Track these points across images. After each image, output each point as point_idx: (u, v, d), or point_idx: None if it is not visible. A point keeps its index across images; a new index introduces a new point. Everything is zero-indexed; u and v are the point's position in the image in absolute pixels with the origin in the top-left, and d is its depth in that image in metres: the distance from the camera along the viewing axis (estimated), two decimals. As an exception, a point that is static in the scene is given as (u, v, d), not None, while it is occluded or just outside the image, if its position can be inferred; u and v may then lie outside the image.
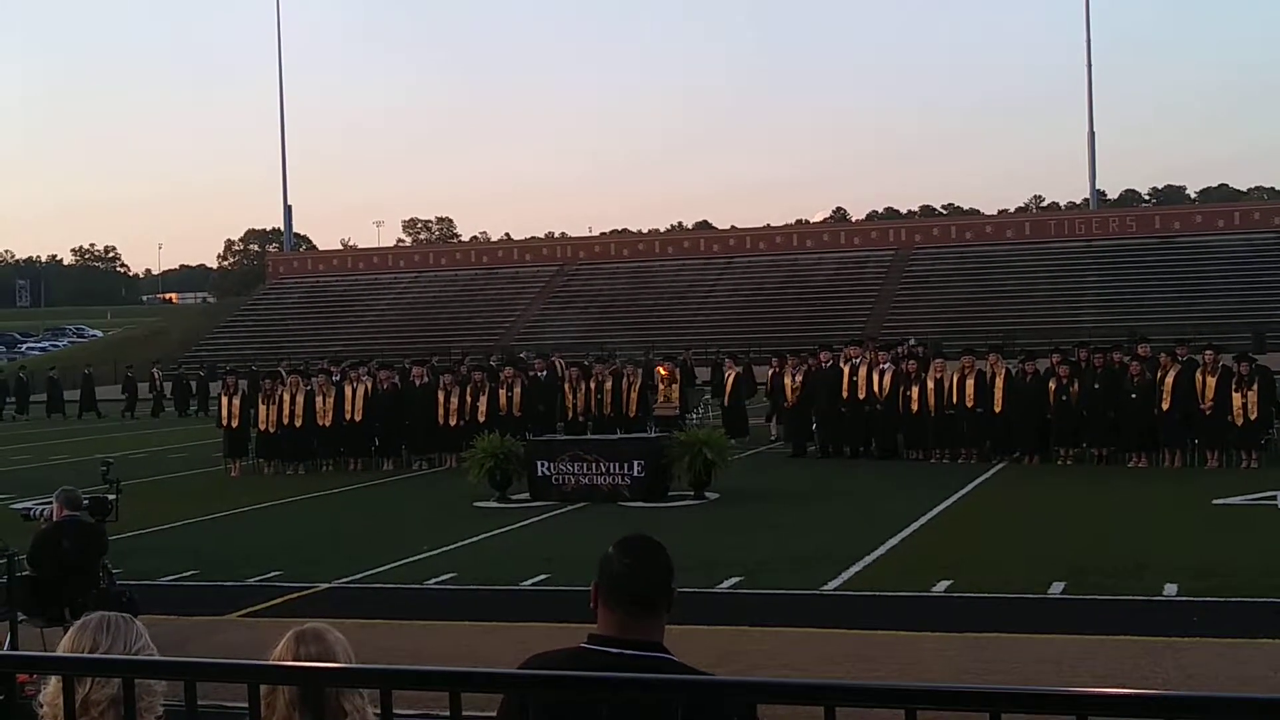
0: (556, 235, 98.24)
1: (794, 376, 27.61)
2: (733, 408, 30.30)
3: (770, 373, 30.28)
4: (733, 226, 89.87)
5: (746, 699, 2.55)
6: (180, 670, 2.83)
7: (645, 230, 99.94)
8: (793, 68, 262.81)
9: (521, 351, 41.14)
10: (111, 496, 12.24)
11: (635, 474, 21.01)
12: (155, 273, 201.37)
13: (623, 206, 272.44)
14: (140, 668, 3.08)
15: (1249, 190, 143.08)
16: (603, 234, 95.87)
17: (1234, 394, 22.83)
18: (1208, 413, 23.04)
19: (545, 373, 29.08)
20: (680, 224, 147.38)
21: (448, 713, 2.42)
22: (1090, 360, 25.07)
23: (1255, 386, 22.89)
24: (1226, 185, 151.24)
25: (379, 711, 2.48)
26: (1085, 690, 2.20)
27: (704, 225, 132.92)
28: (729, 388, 30.90)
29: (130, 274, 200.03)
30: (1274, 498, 18.91)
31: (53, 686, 3.35)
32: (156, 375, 52.79)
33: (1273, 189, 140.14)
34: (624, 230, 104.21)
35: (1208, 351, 23.98)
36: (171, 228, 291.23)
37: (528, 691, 2.51)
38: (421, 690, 2.51)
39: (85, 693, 3.46)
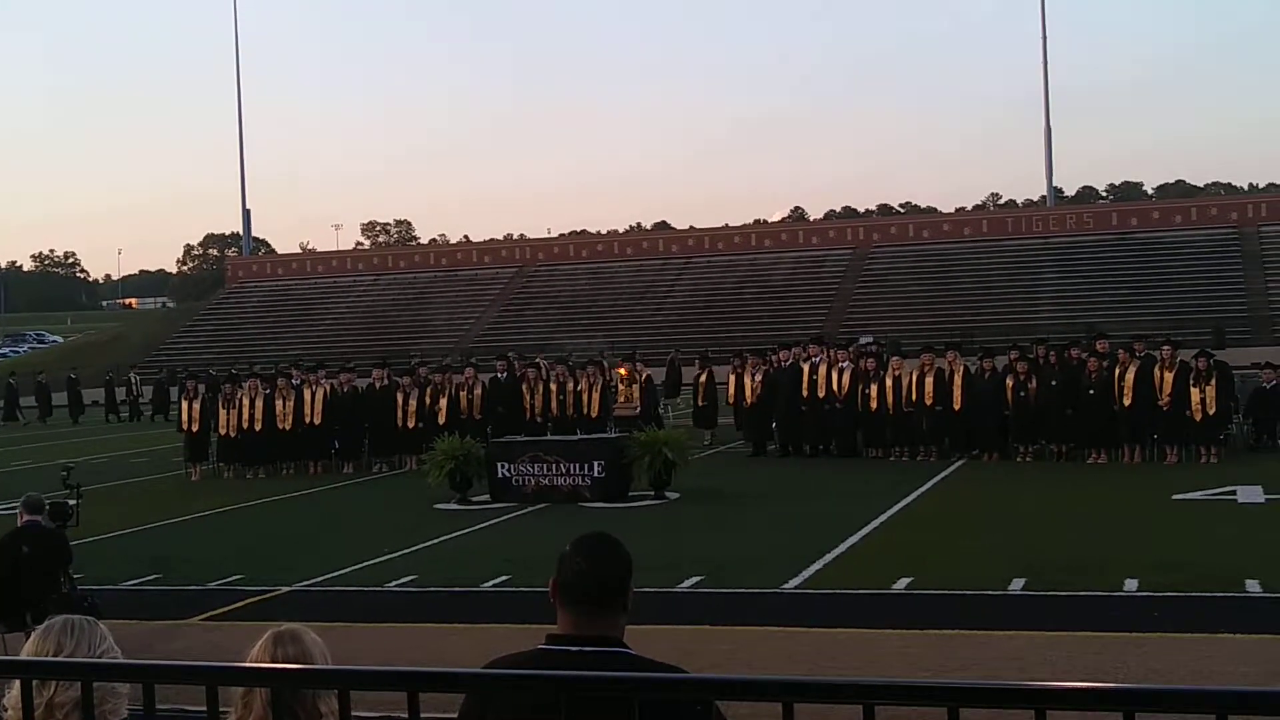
0: (515, 237, 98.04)
1: (753, 376, 27.66)
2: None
3: (694, 374, 30.40)
4: (691, 227, 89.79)
5: (705, 695, 2.54)
6: (139, 673, 2.80)
7: (604, 231, 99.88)
8: (750, 67, 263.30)
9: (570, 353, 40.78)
10: (72, 502, 12.16)
11: (596, 474, 21.00)
12: (115, 278, 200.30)
13: (581, 208, 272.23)
14: (99, 670, 3.05)
15: (1206, 186, 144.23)
16: (561, 235, 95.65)
17: (1192, 389, 22.99)
18: (1166, 408, 23.20)
19: (505, 374, 29.03)
20: (639, 225, 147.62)
21: (407, 714, 2.41)
22: (1048, 357, 25.22)
23: (1213, 382, 23.06)
24: (1184, 181, 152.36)
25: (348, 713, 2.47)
26: (1044, 684, 2.21)
27: (662, 226, 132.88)
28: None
29: (90, 280, 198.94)
30: (1233, 492, 19.06)
31: (16, 690, 3.34)
32: (134, 380, 52.62)
33: (1230, 184, 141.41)
34: (582, 231, 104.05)
35: (1165, 347, 24.14)
36: (131, 233, 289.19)
37: (486, 691, 2.49)
38: (380, 691, 2.49)
39: (50, 695, 3.46)
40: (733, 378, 28.83)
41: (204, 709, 2.57)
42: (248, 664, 3.42)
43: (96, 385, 54.37)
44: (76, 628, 3.72)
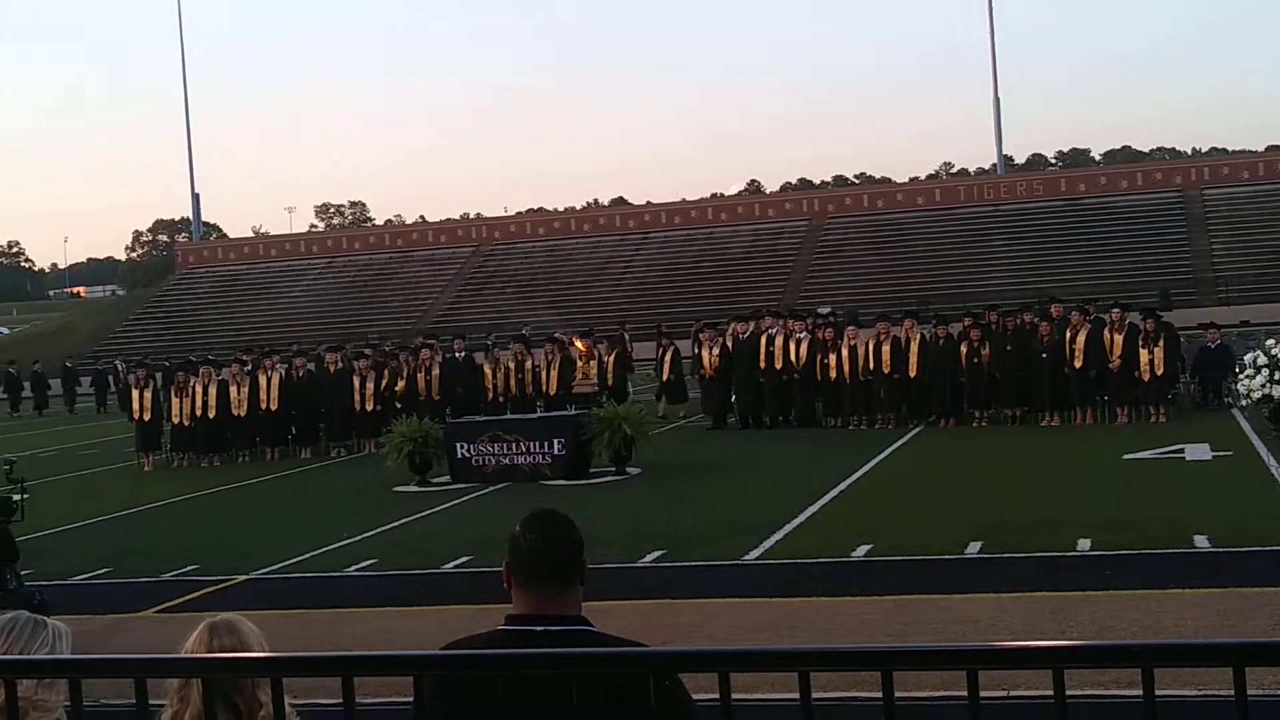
0: (471, 216, 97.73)
1: (710, 349, 27.71)
2: None
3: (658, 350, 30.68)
4: (648, 202, 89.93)
5: (646, 669, 2.54)
6: (66, 667, 2.76)
7: (561, 208, 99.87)
8: (700, 39, 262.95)
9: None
10: (17, 496, 11.99)
11: (556, 452, 20.99)
12: (62, 267, 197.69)
13: (538, 185, 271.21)
14: (20, 668, 2.99)
15: (1151, 151, 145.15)
16: (518, 213, 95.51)
17: (1141, 350, 23.25)
18: (1116, 370, 23.45)
19: (463, 354, 28.98)
20: (596, 201, 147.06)
21: (374, 699, 2.38)
22: (1001, 322, 25.41)
23: (1161, 342, 23.32)
24: (1129, 147, 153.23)
25: (294, 701, 2.42)
26: (974, 645, 2.23)
27: (620, 201, 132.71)
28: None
29: (36, 269, 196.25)
30: (1182, 451, 19.28)
31: None
32: (120, 368, 52.18)
33: (1174, 149, 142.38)
34: (539, 209, 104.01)
35: (1114, 310, 24.42)
36: (78, 221, 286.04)
37: (426, 674, 2.47)
38: (314, 676, 2.46)
39: None
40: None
41: (159, 702, 2.53)
42: (181, 655, 3.37)
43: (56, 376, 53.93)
44: (17, 628, 3.62)
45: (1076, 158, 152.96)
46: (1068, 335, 23.89)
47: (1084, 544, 13.10)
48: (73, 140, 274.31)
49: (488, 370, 27.88)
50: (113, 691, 2.54)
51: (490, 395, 27.46)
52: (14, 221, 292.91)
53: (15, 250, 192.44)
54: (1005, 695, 7.22)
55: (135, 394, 27.71)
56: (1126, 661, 2.10)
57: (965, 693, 2.20)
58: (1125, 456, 19.19)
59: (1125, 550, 12.73)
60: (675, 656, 2.42)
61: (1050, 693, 2.16)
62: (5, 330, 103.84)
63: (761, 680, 2.44)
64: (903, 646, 2.19)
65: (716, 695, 2.27)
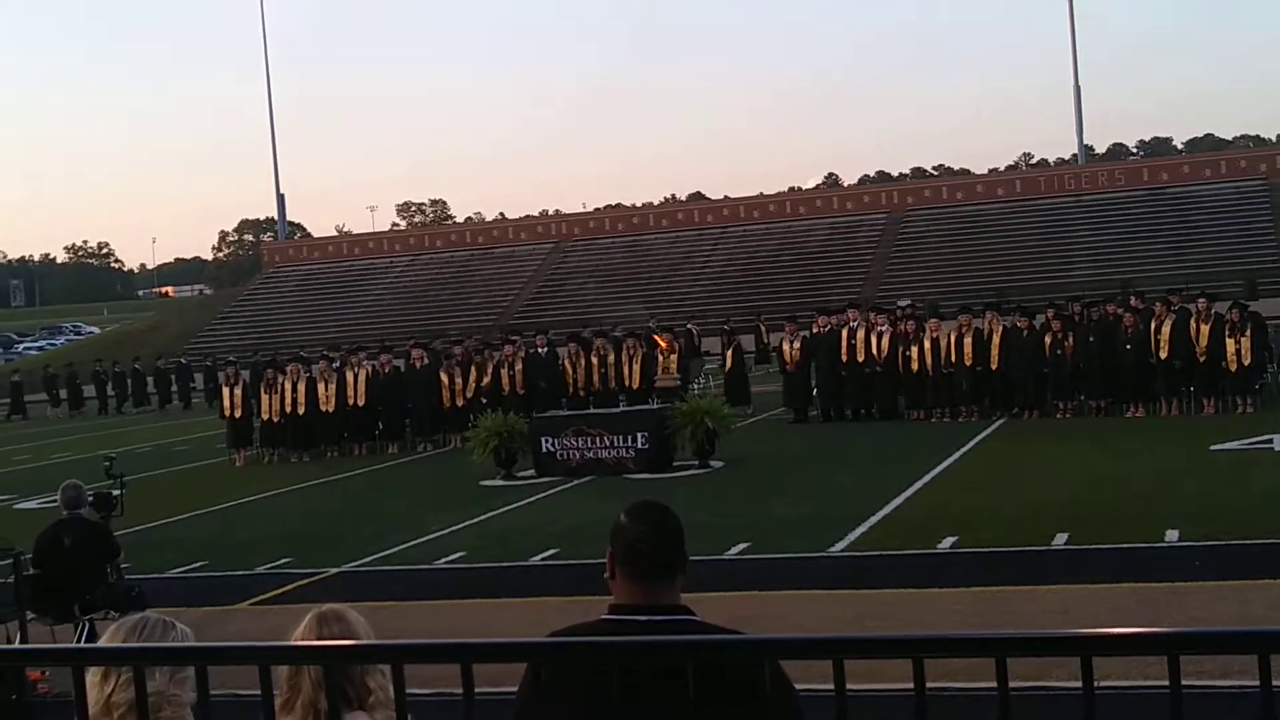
0: (550, 213, 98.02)
1: (792, 342, 27.67)
2: None
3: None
4: (726, 196, 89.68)
5: (766, 656, 2.59)
6: (192, 654, 2.81)
7: (639, 204, 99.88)
8: (779, 32, 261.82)
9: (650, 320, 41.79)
10: (116, 492, 12.21)
11: (639, 446, 21.05)
12: (150, 267, 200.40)
13: (616, 182, 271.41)
14: (147, 655, 3.03)
15: (1235, 139, 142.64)
16: (597, 209, 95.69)
17: (1227, 340, 22.94)
18: (1202, 360, 23.16)
19: (546, 349, 29.11)
20: (674, 196, 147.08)
21: (461, 689, 2.42)
22: (1085, 313, 25.16)
23: (1248, 332, 23.02)
24: (1212, 135, 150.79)
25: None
26: (1090, 631, 2.26)
27: (698, 196, 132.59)
28: None
29: (125, 269, 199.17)
30: (1270, 441, 19.04)
31: (90, 679, 3.30)
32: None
33: (1258, 136, 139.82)
34: (618, 205, 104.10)
35: (1200, 300, 24.09)
36: (165, 221, 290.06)
37: (540, 660, 2.52)
38: (434, 663, 2.52)
39: (109, 693, 3.42)
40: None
41: (255, 693, 2.56)
42: (300, 643, 3.42)
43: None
44: (147, 629, 3.68)
45: (1158, 146, 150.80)
46: (1152, 326, 23.64)
47: (1172, 535, 13.00)
48: (160, 143, 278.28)
49: (568, 365, 27.99)
50: (216, 681, 2.59)
51: (571, 389, 27.61)
52: (104, 223, 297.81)
53: (105, 251, 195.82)
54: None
55: (225, 391, 28.16)
56: (1244, 648, 2.12)
57: (1045, 683, 2.23)
58: (1213, 447, 18.98)
59: (1214, 541, 12.61)
60: (791, 643, 2.46)
61: (1122, 683, 2.20)
62: (95, 330, 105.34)
63: (809, 672, 2.47)
64: (1018, 634, 2.22)
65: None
